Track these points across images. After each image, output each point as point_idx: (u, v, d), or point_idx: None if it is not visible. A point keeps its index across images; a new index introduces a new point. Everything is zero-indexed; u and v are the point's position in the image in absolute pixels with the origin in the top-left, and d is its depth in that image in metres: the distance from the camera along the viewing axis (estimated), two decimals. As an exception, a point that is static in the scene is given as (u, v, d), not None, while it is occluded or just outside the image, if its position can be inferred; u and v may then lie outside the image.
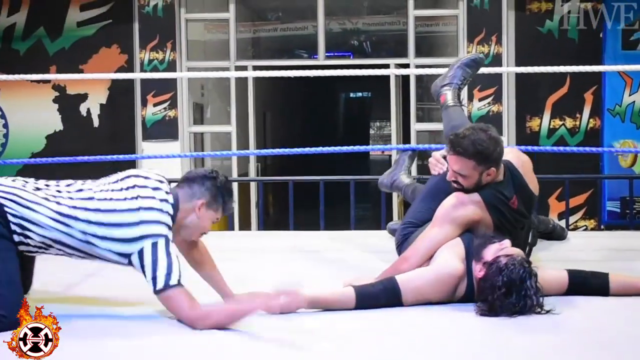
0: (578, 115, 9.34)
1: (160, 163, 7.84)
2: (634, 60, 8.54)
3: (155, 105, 9.38)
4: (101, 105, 9.49)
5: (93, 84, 9.36)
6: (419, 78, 10.26)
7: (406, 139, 10.35)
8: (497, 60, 9.22)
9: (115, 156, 6.47)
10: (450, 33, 9.81)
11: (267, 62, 10.49)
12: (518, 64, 8.97)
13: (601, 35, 9.15)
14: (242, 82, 9.83)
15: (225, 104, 9.94)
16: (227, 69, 9.63)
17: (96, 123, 9.50)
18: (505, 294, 3.04)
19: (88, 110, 9.50)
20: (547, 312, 3.08)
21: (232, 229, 8.34)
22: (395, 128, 10.32)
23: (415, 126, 9.83)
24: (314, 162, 13.40)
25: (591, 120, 9.33)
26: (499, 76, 9.18)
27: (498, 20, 9.15)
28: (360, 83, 17.97)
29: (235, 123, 9.83)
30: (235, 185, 9.03)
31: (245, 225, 9.52)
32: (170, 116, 9.41)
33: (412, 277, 3.25)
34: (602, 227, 8.65)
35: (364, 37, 11.39)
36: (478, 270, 3.18)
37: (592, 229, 8.77)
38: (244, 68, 9.74)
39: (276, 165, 13.41)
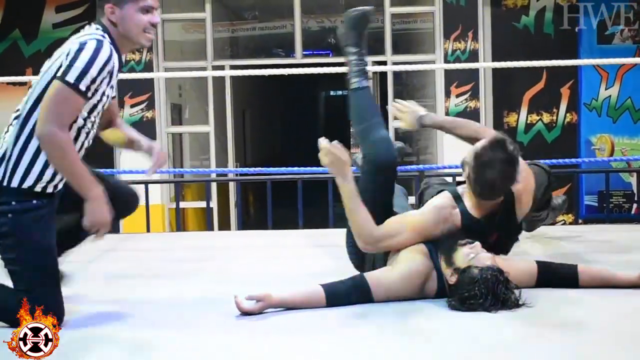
0: (555, 110, 9.37)
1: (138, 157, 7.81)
2: (610, 54, 8.57)
3: (132, 106, 9.35)
4: (78, 106, 9.44)
5: (69, 86, 9.31)
6: (397, 75, 10.27)
7: (385, 136, 10.34)
8: (473, 56, 9.25)
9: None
10: (427, 30, 9.82)
11: (244, 61, 10.46)
12: (494, 59, 9.01)
13: (577, 30, 9.18)
14: (219, 82, 9.81)
15: (204, 104, 9.92)
16: (204, 68, 9.61)
17: (73, 124, 9.46)
18: (480, 300, 3.04)
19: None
20: (522, 305, 3.09)
21: (212, 229, 8.36)
22: (373, 125, 10.29)
23: (393, 123, 9.82)
24: (294, 160, 13.41)
25: (568, 114, 9.37)
26: (475, 72, 9.22)
27: (474, 17, 9.18)
28: (341, 81, 17.92)
29: (214, 123, 9.81)
30: (213, 186, 9.13)
31: (224, 225, 9.52)
32: (148, 117, 9.39)
33: (381, 275, 3.25)
34: (580, 221, 8.68)
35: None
36: (449, 275, 3.18)
37: (570, 224, 8.79)
38: (221, 68, 9.73)
39: (256, 165, 13.38)
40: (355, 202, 3.28)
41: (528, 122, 9.42)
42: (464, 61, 9.23)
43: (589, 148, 9.23)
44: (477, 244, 3.20)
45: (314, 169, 5.99)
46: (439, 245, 3.27)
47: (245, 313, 3.05)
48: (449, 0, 9.34)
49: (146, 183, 6.44)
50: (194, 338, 2.86)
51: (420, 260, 3.25)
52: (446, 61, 9.29)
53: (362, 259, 3.55)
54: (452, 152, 9.11)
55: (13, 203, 2.96)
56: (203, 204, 7.84)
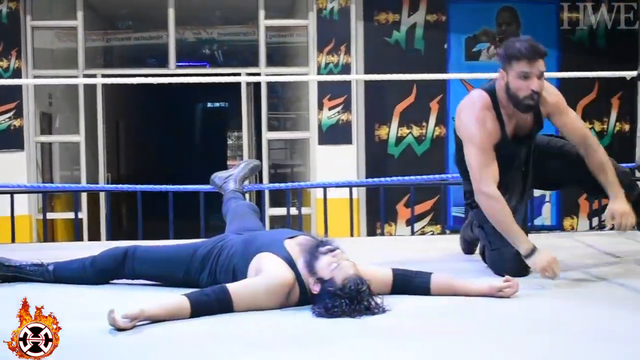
0: (424, 123, 9.53)
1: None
2: (477, 70, 8.77)
3: (-1, 114, 9.10)
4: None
5: None
6: (272, 88, 10.29)
7: (258, 148, 10.36)
8: (346, 70, 9.34)
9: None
10: (301, 43, 9.87)
11: (116, 70, 10.29)
12: (367, 73, 9.12)
13: (445, 47, 9.38)
14: (91, 92, 9.63)
15: (75, 113, 9.70)
16: (75, 77, 9.41)
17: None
18: (344, 309, 3.06)
19: None
20: (383, 311, 3.11)
21: (81, 239, 8.18)
22: (247, 138, 10.30)
23: (267, 135, 9.84)
24: (170, 172, 13.28)
25: (437, 128, 9.54)
26: (348, 85, 9.31)
27: (347, 31, 9.27)
28: (216, 93, 17.92)
29: (85, 133, 9.61)
30: (84, 196, 8.94)
31: (95, 236, 9.32)
32: (15, 125, 9.13)
33: (244, 287, 3.20)
34: (447, 231, 8.85)
35: (217, 47, 11.35)
36: (312, 284, 3.17)
37: (438, 234, 8.95)
38: (93, 76, 9.54)
39: (130, 176, 13.20)
40: None
41: (399, 135, 9.55)
42: (336, 74, 9.31)
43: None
44: (339, 251, 3.21)
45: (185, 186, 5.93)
46: (301, 253, 3.26)
47: (120, 329, 2.95)
48: (322, 14, 9.41)
49: (12, 193, 6.25)
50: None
51: (284, 270, 3.23)
52: (319, 74, 9.35)
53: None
54: (323, 170, 9.22)
55: None
56: (72, 215, 7.67)
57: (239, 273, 3.37)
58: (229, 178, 4.59)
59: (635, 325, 3.02)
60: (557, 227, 9.16)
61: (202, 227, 6.26)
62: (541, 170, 4.14)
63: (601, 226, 9.02)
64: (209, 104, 20.71)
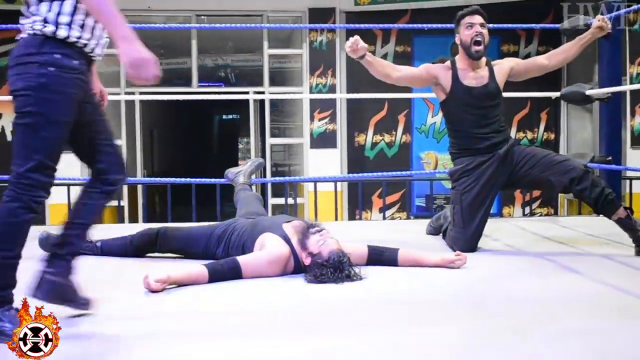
0: (394, 132, 9.54)
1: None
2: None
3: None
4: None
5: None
6: (273, 104, 10.29)
7: (263, 150, 10.36)
8: (332, 89, 9.34)
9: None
10: (297, 68, 9.86)
11: (150, 89, 10.25)
12: (348, 92, 9.10)
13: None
14: (131, 106, 9.61)
15: (118, 122, 9.67)
16: (117, 94, 9.38)
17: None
18: (330, 276, 3.07)
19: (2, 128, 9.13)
20: (361, 279, 3.13)
21: (123, 222, 8.17)
22: (254, 143, 10.31)
23: (269, 140, 9.84)
24: (193, 169, 13.23)
25: (404, 136, 9.55)
26: (333, 102, 9.31)
27: (333, 58, 9.28)
28: (229, 107, 17.91)
29: (126, 138, 9.59)
30: (125, 188, 8.92)
31: (134, 220, 9.29)
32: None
33: (251, 259, 3.21)
34: (411, 217, 8.86)
35: (230, 70, 11.33)
36: (304, 257, 3.19)
37: (405, 219, 8.95)
38: (132, 94, 9.51)
39: (162, 172, 13.17)
40: None
41: (373, 141, 9.56)
42: (325, 93, 9.31)
43: (419, 162, 9.45)
44: (325, 231, 3.22)
45: (204, 179, 5.91)
46: (295, 233, 3.27)
47: (153, 291, 2.95)
48: (313, 45, 9.41)
49: (68, 185, 6.23)
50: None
51: (282, 246, 3.24)
52: (311, 92, 9.35)
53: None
54: (314, 168, 9.21)
55: None
56: (116, 203, 7.64)
57: (247, 249, 3.38)
58: (239, 173, 4.58)
59: (554, 286, 3.05)
60: (497, 214, 9.18)
61: (218, 212, 6.25)
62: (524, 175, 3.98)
63: (532, 213, 9.06)
64: (224, 116, 20.63)
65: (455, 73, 4.00)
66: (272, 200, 9.43)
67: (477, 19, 3.99)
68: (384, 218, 7.39)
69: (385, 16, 8.80)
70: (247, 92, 9.72)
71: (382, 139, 9.56)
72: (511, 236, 4.50)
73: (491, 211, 4.05)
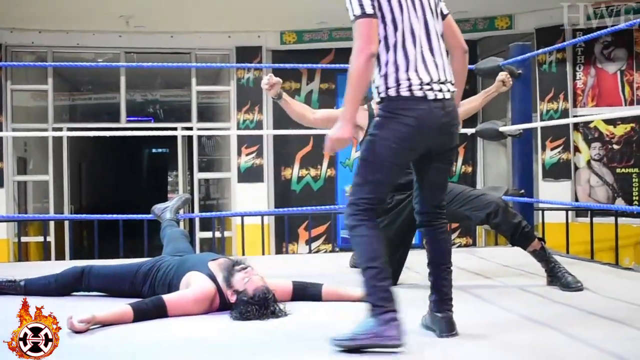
0: (319, 166, 9.59)
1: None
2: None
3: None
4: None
5: None
6: (202, 138, 10.23)
7: (191, 184, 10.28)
8: (259, 125, 9.34)
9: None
10: (224, 103, 9.85)
11: (79, 124, 10.08)
12: (275, 128, 9.11)
13: (335, 108, 9.43)
14: (59, 141, 9.40)
15: (45, 157, 9.45)
16: (45, 129, 9.18)
17: None
18: (255, 312, 3.03)
19: None
20: (285, 315, 3.10)
21: (50, 259, 7.93)
22: (182, 177, 10.21)
23: (197, 174, 9.76)
24: (123, 202, 13.00)
25: (329, 170, 9.61)
26: (260, 137, 9.32)
27: (260, 95, 9.27)
28: (158, 141, 17.73)
29: (53, 173, 9.36)
30: (52, 224, 8.68)
31: (60, 256, 9.04)
32: (-3, 167, 8.85)
33: (177, 298, 3.16)
34: (337, 249, 8.88)
35: (159, 106, 11.23)
36: (230, 295, 3.15)
37: (330, 252, 8.96)
38: (60, 129, 9.31)
39: (90, 207, 12.90)
40: None
41: (299, 175, 9.59)
42: (252, 129, 9.30)
43: (344, 195, 9.50)
44: (250, 268, 3.20)
45: (132, 215, 5.80)
46: (221, 271, 3.23)
47: (77, 332, 2.85)
48: (240, 82, 9.41)
49: (-7, 222, 6.03)
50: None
51: (208, 284, 3.20)
52: (239, 128, 9.34)
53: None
54: (241, 202, 9.17)
55: None
56: (42, 239, 7.43)
57: (173, 287, 3.32)
58: (166, 209, 4.51)
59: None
60: (420, 244, 9.28)
61: (145, 247, 6.15)
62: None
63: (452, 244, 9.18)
64: (153, 150, 20.41)
65: (372, 114, 4.01)
66: (199, 234, 9.33)
67: None
68: (310, 250, 7.38)
69: (310, 55, 8.87)
70: (175, 129, 9.63)
71: (308, 173, 9.60)
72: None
73: (412, 243, 4.08)
